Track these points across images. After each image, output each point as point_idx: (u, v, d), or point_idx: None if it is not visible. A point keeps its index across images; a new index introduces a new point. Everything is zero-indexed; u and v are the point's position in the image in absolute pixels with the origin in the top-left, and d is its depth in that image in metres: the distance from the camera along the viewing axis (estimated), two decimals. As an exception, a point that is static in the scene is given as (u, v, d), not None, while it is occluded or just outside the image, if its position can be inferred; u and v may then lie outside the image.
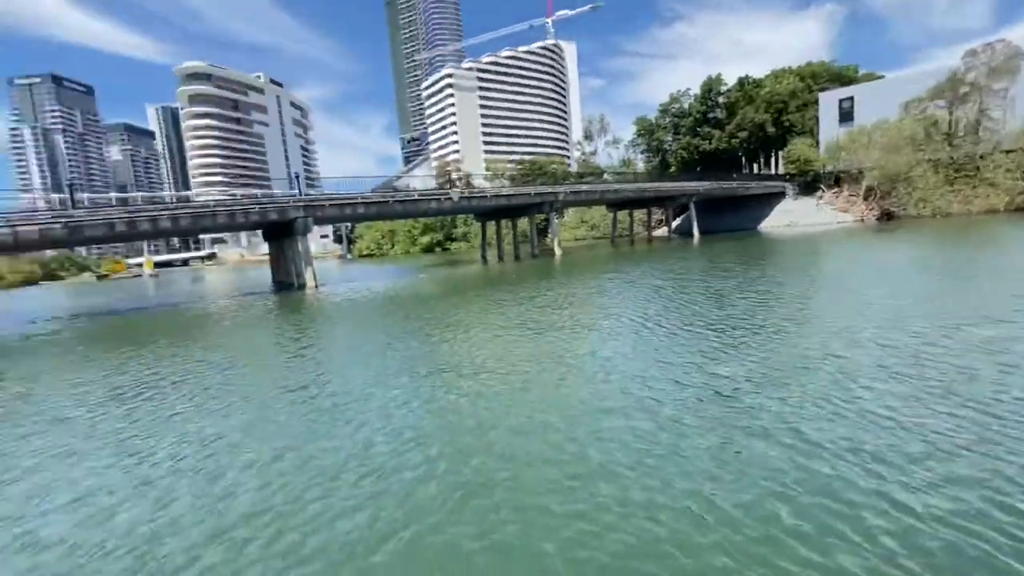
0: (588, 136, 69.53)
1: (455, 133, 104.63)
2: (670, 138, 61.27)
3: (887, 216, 37.21)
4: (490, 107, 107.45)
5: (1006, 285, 9.53)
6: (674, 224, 47.25)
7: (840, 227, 34.51)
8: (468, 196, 29.25)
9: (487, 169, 68.26)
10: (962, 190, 34.85)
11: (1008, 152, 34.09)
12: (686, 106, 59.21)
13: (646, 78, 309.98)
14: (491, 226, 37.67)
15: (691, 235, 40.26)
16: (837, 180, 42.72)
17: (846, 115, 44.88)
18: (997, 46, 35.68)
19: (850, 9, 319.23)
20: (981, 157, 34.94)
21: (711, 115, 57.47)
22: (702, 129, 57.25)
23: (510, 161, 73.05)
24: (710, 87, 56.93)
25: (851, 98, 45.21)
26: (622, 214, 45.96)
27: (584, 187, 36.75)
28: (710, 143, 56.25)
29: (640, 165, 65.68)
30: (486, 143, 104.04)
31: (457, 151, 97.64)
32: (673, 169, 59.84)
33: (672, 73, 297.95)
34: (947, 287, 10.25)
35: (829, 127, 46.10)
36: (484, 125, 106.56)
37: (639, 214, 46.96)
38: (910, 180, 36.43)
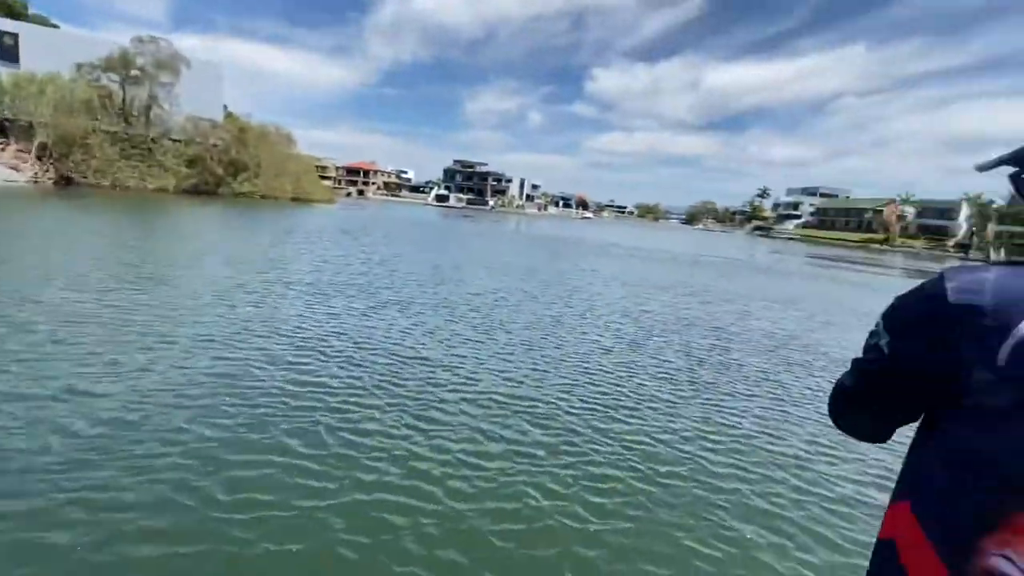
0: None
1: None
2: None
3: (66, 181, 34.80)
4: None
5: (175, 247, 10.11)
6: None
7: (9, 187, 28.82)
8: None
9: None
10: (138, 167, 37.55)
11: (175, 140, 39.68)
12: None
13: None
14: None
15: None
16: (2, 130, 35.63)
17: (9, 53, 37.74)
18: (161, 43, 40.11)
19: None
20: (153, 140, 38.76)
21: None
22: None
23: None
24: None
25: (16, 35, 38.40)
26: None
27: None
28: None
29: None
30: None
31: None
32: None
33: None
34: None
35: (-14, 61, 37.33)
36: None
37: None
38: (87, 147, 35.43)
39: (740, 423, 4.57)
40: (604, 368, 5.76)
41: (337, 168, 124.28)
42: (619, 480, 3.40)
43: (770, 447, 4.13)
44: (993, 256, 57.54)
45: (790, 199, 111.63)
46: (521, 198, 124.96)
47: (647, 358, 6.32)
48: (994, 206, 65.21)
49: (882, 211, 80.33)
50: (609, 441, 3.95)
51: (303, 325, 6.26)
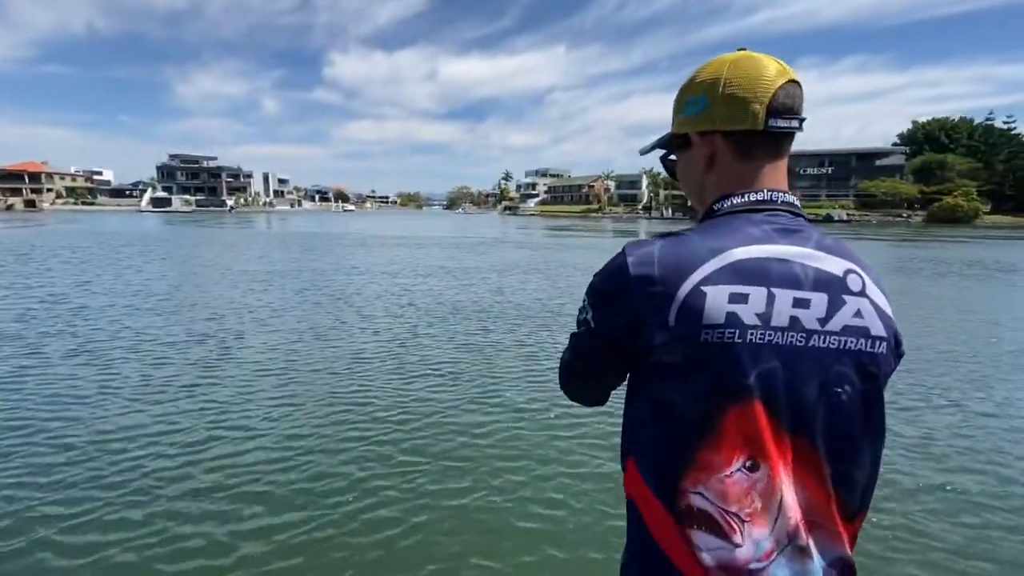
0: None
1: None
2: None
3: None
4: None
5: None
6: None
7: None
8: None
9: None
10: None
11: None
12: None
13: None
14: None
15: None
16: None
17: None
18: None
19: None
20: None
21: None
22: None
23: None
24: None
25: None
26: None
27: None
28: None
29: None
30: None
31: None
32: None
33: None
34: None
35: None
36: None
37: None
38: None
39: (510, 400, 5.26)
40: (371, 372, 5.91)
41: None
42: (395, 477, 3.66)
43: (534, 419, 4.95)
44: (665, 214, 77.52)
45: (528, 180, 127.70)
46: (268, 195, 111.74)
47: (416, 351, 6.70)
48: (662, 176, 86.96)
49: (594, 186, 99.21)
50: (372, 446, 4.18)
51: None
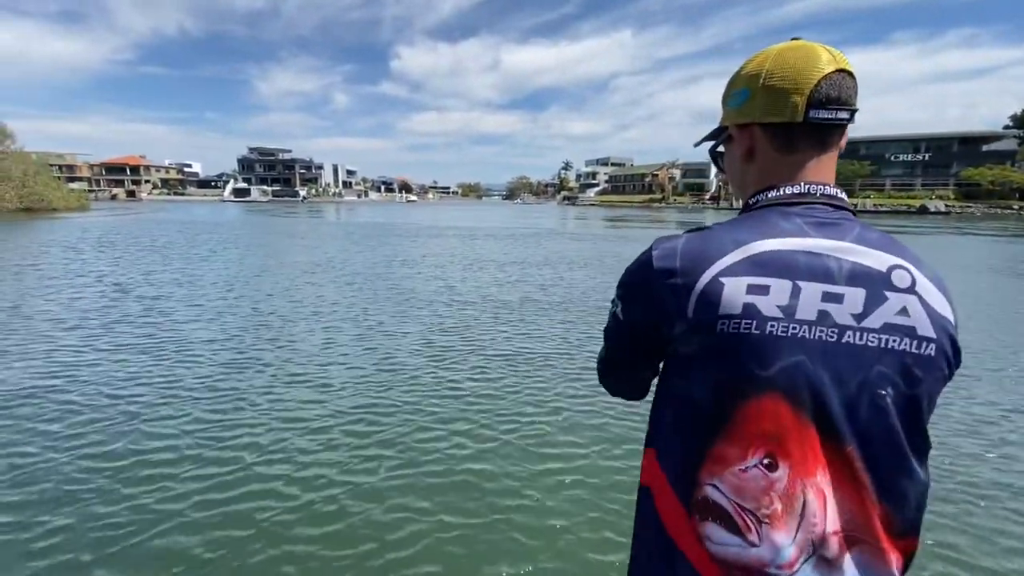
0: None
1: None
2: None
3: None
4: None
5: None
6: None
7: None
8: None
9: None
10: None
11: None
12: None
13: None
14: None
15: None
16: None
17: None
18: None
19: None
20: None
21: None
22: None
23: None
24: None
25: None
26: None
27: None
28: None
29: None
30: None
31: None
32: None
33: None
34: None
35: None
36: None
37: None
38: None
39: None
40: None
41: (92, 167, 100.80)
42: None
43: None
44: (735, 204, 73.19)
45: (588, 169, 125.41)
46: (337, 185, 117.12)
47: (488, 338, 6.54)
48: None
49: (658, 175, 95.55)
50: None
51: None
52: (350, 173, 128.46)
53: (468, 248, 18.06)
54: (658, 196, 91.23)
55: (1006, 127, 70.95)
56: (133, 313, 7.44)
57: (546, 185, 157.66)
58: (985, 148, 65.12)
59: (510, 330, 6.93)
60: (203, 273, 11.29)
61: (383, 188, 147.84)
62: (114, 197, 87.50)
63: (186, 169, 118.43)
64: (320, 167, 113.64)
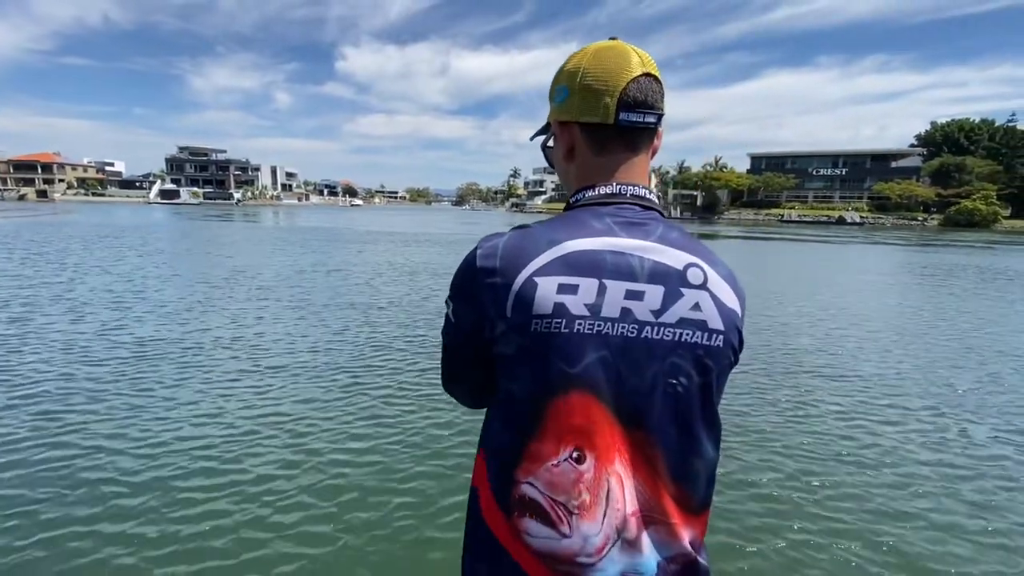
0: None
1: None
2: None
3: None
4: None
5: None
6: None
7: None
8: None
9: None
10: None
11: None
12: None
13: None
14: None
15: None
16: None
17: None
18: None
19: None
20: None
21: None
22: None
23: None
24: None
25: None
26: None
27: None
28: None
29: None
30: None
31: None
32: None
33: None
34: None
35: None
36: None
37: None
38: None
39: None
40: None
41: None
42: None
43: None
44: (674, 213, 76.37)
45: (536, 177, 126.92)
46: (275, 188, 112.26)
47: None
48: (669, 175, 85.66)
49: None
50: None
51: None
52: (290, 175, 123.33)
53: (401, 256, 17.59)
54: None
55: (911, 145, 78.39)
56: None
57: (495, 192, 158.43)
58: (894, 164, 71.67)
59: (403, 341, 6.69)
60: (81, 288, 10.25)
61: (326, 191, 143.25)
62: (22, 197, 79.81)
63: (108, 168, 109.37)
64: (257, 169, 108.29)
